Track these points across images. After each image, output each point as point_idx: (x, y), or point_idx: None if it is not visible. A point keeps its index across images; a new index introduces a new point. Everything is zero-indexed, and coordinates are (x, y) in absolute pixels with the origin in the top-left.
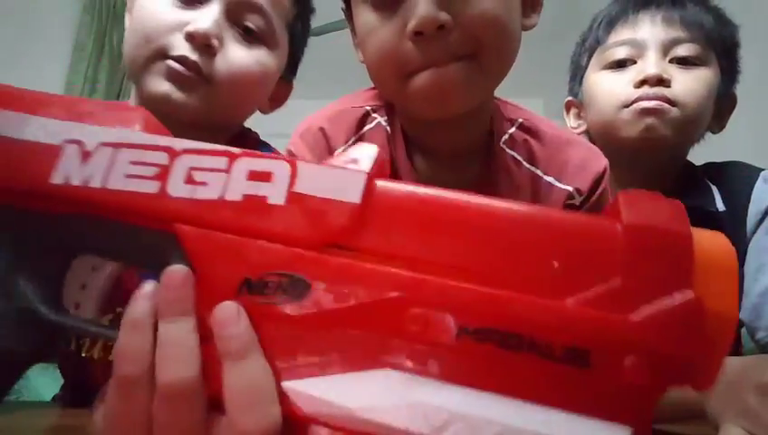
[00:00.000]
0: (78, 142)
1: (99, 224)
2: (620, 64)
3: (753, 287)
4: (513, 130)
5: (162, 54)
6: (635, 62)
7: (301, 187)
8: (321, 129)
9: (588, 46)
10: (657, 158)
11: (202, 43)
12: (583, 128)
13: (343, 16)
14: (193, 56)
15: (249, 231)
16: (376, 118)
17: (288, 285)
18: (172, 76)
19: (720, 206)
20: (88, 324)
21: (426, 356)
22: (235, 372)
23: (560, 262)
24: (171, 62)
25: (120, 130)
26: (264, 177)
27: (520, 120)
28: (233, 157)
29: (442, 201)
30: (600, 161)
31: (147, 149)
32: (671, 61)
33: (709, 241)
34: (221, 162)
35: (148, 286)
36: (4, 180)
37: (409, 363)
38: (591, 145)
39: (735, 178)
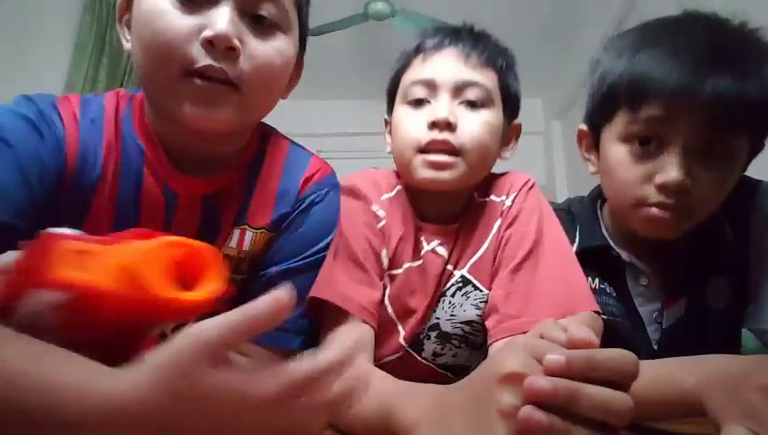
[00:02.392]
0: None
1: None
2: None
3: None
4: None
5: (184, 71)
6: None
7: None
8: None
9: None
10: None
11: (224, 47)
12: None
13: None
14: (217, 64)
15: None
16: (397, 186)
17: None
18: (201, 98)
19: (729, 234)
20: None
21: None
22: None
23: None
24: (198, 82)
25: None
26: None
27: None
28: None
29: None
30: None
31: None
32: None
33: None
34: None
35: None
36: None
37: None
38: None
39: (735, 198)
